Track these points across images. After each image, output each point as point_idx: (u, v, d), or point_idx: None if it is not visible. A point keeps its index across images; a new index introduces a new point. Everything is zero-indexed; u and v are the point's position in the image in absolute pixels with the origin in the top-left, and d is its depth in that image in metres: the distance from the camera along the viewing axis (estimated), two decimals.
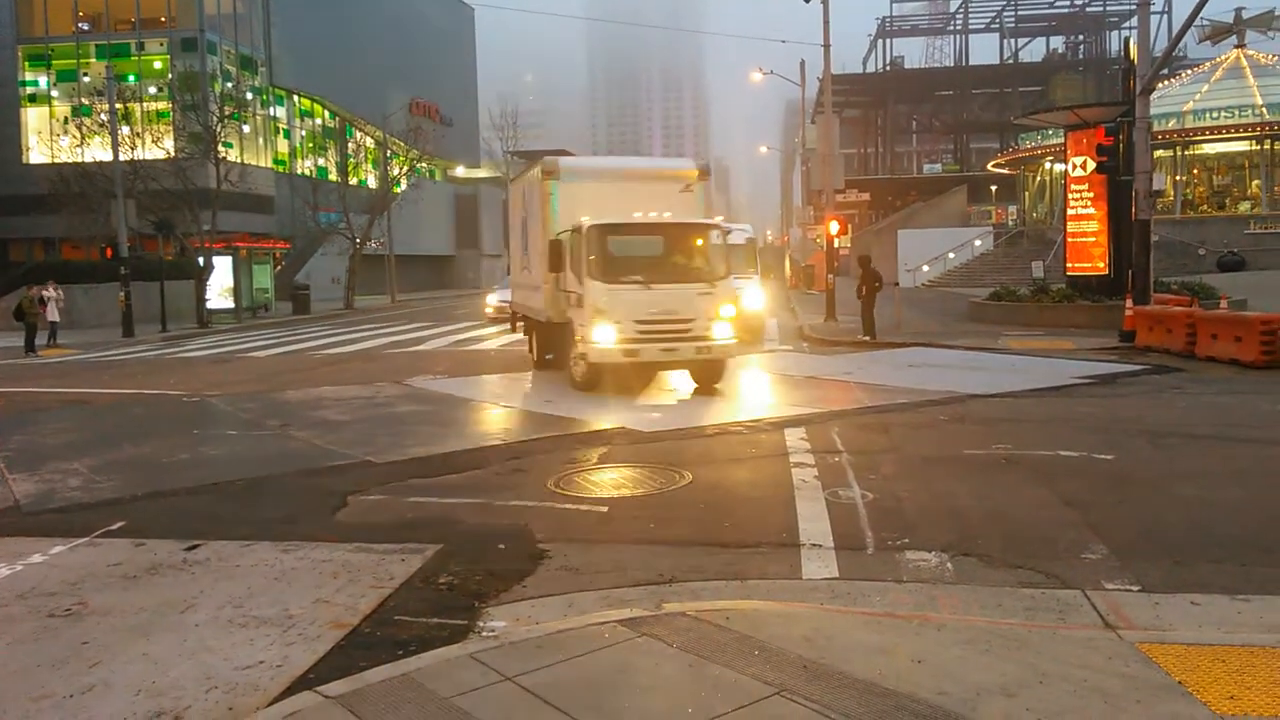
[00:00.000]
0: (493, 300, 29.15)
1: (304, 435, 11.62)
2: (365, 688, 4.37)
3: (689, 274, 13.86)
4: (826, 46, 27.23)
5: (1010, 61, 76.67)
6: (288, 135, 57.99)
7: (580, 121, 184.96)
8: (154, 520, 7.84)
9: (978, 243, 45.81)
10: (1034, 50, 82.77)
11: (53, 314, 27.21)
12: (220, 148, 36.89)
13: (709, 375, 14.29)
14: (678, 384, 14.97)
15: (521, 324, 19.18)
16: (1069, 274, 23.96)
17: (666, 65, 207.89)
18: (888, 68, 77.31)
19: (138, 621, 5.50)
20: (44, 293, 27.19)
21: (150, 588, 6.11)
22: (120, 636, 5.29)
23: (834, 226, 25.92)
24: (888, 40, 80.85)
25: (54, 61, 49.75)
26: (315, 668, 4.82)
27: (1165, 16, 63.31)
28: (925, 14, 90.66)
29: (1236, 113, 40.15)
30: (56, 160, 40.84)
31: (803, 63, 42.02)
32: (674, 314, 13.33)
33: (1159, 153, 37.31)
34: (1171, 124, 39.74)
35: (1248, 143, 41.26)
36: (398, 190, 50.97)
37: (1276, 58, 44.76)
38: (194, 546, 6.93)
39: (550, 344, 16.65)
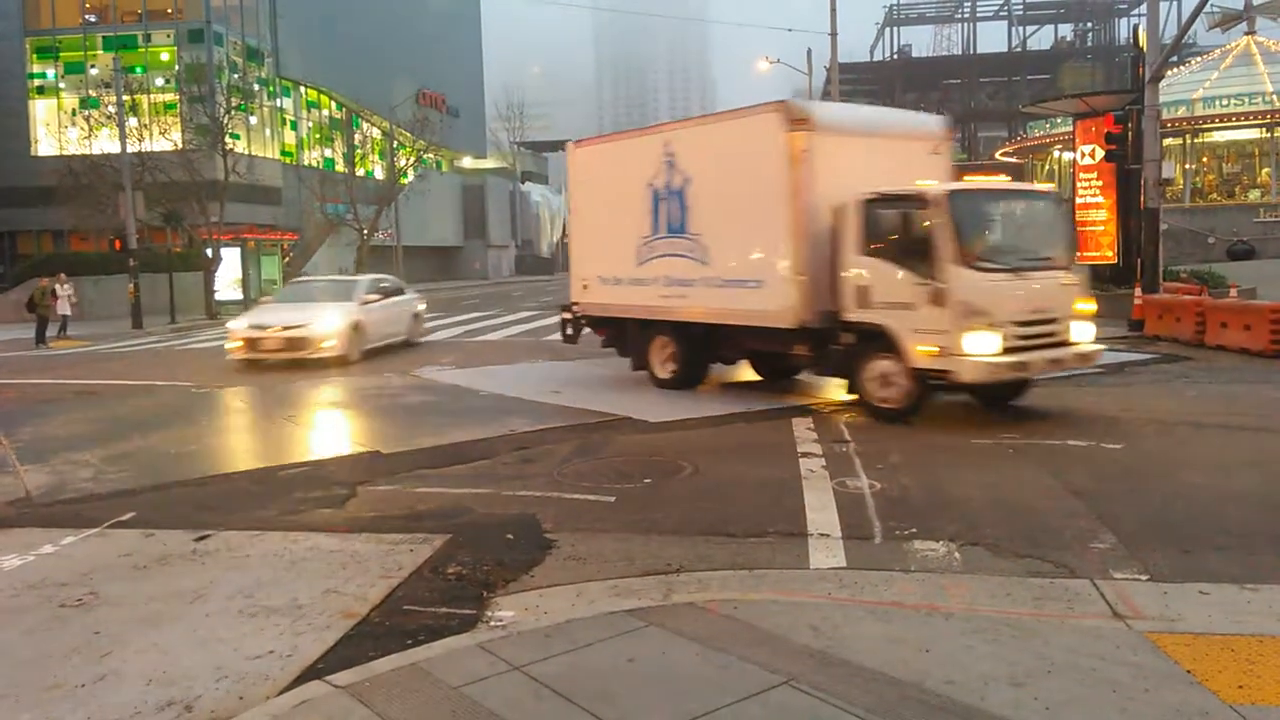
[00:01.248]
0: (239, 328, 18.16)
1: (312, 426, 11.66)
2: (374, 677, 4.39)
3: (1048, 259, 10.84)
4: (833, 35, 27.20)
5: (1018, 50, 76.39)
6: (295, 126, 57.92)
7: (587, 111, 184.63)
8: (164, 511, 7.88)
9: None
10: (1042, 38, 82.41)
11: (64, 307, 27.31)
12: (227, 139, 36.93)
13: (1010, 388, 11.07)
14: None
15: (590, 330, 15.15)
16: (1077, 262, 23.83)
17: (673, 53, 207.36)
18: (895, 56, 77.10)
19: (148, 612, 5.53)
20: (56, 286, 27.28)
21: (160, 578, 6.14)
22: (131, 626, 5.32)
23: None
24: (895, 28, 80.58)
25: (61, 53, 49.74)
26: (325, 657, 4.85)
27: (1175, 3, 62.90)
28: (933, 2, 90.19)
29: (1246, 100, 39.94)
30: (64, 152, 40.91)
31: (809, 51, 41.91)
32: (1046, 311, 10.33)
33: (1168, 141, 37.06)
34: (1181, 112, 39.54)
35: (1258, 130, 41.07)
36: (404, 181, 50.95)
37: None
38: (204, 537, 6.96)
39: (696, 352, 13.19)
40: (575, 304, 15.02)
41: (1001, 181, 11.35)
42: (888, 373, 10.52)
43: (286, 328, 17.54)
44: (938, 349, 9.96)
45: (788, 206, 11.16)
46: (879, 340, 10.50)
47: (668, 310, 13.07)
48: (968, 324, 9.76)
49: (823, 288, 11.02)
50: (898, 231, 10.44)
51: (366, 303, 18.96)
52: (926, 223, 10.10)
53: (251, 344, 17.68)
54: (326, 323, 17.67)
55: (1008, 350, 9.86)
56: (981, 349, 9.78)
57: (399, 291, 21.31)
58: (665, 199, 12.97)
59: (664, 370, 13.51)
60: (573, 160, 15.24)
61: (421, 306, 22.11)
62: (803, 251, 11.09)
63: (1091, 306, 10.86)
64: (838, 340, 11.03)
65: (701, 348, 13.12)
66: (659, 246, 13.14)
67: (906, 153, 11.88)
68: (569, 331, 15.48)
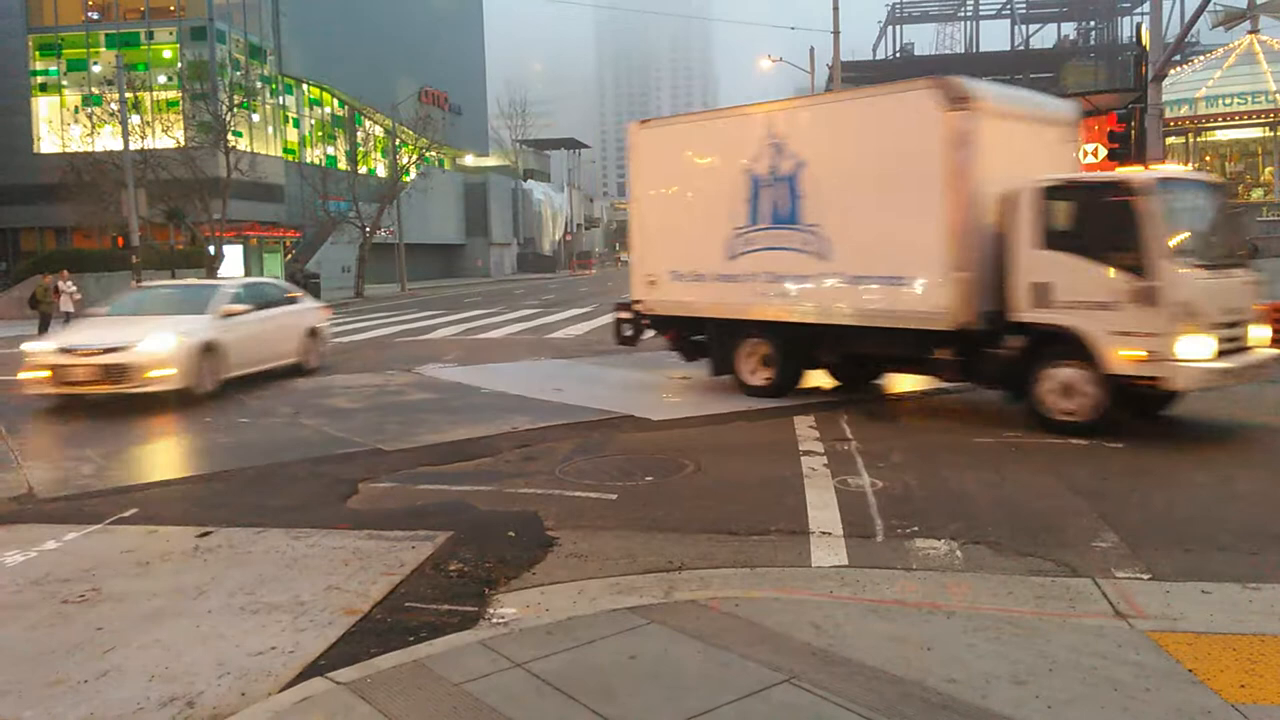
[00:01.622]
0: (42, 351, 13.29)
1: (315, 423, 11.67)
2: (376, 674, 4.39)
3: (1236, 256, 9.99)
4: (836, 33, 27.17)
5: (1021, 48, 76.31)
6: (297, 124, 58.02)
7: (589, 108, 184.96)
8: (166, 507, 7.89)
9: None
10: (1045, 37, 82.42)
11: (66, 304, 27.36)
12: (230, 136, 37.00)
13: (1154, 398, 9.95)
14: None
15: (655, 331, 13.82)
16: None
17: (675, 51, 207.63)
18: (898, 55, 76.96)
19: (151, 608, 5.54)
20: (59, 283, 27.33)
21: (163, 574, 6.15)
22: (133, 623, 5.33)
23: None
24: (898, 27, 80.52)
25: (64, 51, 49.87)
26: (327, 654, 4.85)
27: (1178, 2, 62.85)
28: (936, 0, 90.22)
29: (1250, 99, 39.93)
30: (67, 150, 40.99)
31: (812, 50, 41.94)
32: (1238, 312, 9.43)
33: (1171, 140, 37.07)
34: (1184, 110, 39.54)
35: (1261, 129, 41.04)
36: (407, 179, 51.03)
37: None
38: (206, 533, 6.97)
39: (795, 355, 12.00)
40: (637, 302, 13.50)
41: (1191, 171, 10.50)
42: (1071, 381, 9.41)
43: (106, 350, 12.88)
44: (1145, 353, 8.92)
45: (946, 195, 10.00)
46: (1060, 344, 9.47)
47: (772, 310, 11.81)
48: (1183, 326, 8.79)
49: (986, 285, 9.95)
50: (1092, 223, 9.43)
51: (230, 315, 14.48)
52: (1132, 214, 9.04)
53: (59, 374, 12.93)
54: (159, 343, 13.04)
55: (1220, 356, 8.99)
56: (1197, 353, 8.84)
57: (286, 300, 16.79)
58: (769, 186, 11.68)
59: (755, 376, 12.26)
60: (635, 143, 13.66)
61: (322, 322, 17.40)
62: (964, 245, 9.93)
63: (1261, 308, 10.02)
64: (1001, 344, 9.94)
65: (801, 350, 11.94)
66: (759, 239, 11.86)
67: (1043, 138, 11.03)
68: (628, 333, 14.02)
